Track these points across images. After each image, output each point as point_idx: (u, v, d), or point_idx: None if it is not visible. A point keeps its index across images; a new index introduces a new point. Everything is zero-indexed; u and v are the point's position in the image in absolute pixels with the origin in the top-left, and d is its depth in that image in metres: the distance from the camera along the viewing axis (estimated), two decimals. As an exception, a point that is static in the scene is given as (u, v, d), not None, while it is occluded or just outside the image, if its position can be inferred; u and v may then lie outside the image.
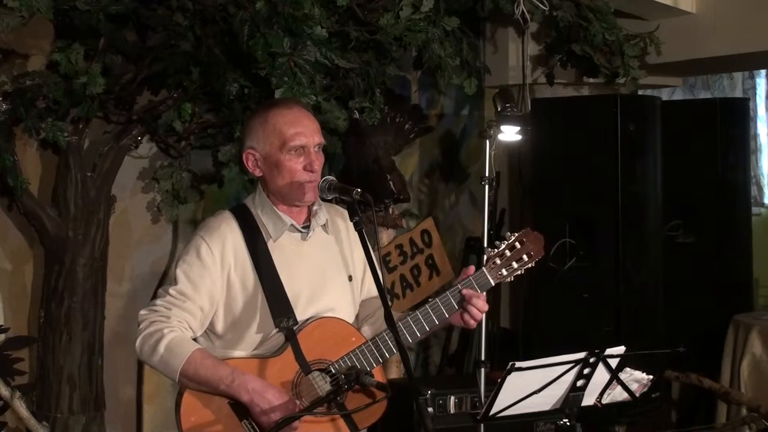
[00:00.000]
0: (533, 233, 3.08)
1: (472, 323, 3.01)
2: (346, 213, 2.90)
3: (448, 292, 2.99)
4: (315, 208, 3.03)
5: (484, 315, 3.10)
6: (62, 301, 4.38)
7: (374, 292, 3.11)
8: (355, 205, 2.81)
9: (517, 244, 3.05)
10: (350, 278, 3.07)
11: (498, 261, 3.03)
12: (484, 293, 3.01)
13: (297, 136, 2.93)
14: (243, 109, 4.28)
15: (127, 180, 4.67)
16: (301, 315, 2.94)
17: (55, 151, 4.39)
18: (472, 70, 4.82)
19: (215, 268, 2.92)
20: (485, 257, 3.08)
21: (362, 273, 3.10)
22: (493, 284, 3.02)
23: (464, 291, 2.97)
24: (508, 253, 3.04)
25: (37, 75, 4.04)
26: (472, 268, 3.03)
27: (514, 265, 3.05)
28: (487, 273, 3.01)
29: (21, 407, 3.85)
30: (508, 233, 3.07)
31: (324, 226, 3.04)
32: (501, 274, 3.03)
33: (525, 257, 3.05)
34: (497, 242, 3.06)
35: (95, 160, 4.42)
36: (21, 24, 3.77)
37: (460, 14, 4.71)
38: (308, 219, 3.02)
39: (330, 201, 3.05)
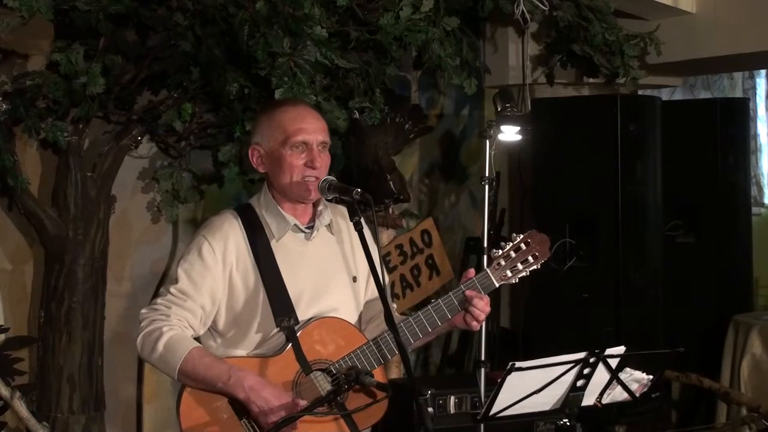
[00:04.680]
0: (539, 235, 3.05)
1: (475, 325, 2.99)
2: (346, 212, 2.89)
3: (451, 293, 2.98)
4: (320, 208, 3.02)
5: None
6: (62, 301, 4.38)
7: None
8: (355, 205, 2.81)
9: (523, 246, 3.03)
10: (354, 279, 3.06)
11: (503, 262, 3.01)
12: (487, 296, 2.99)
13: (299, 132, 2.93)
14: (243, 109, 4.28)
15: (127, 180, 4.67)
16: (303, 315, 2.93)
17: (55, 151, 4.39)
18: (472, 70, 4.81)
19: (217, 267, 2.92)
20: (491, 257, 3.04)
21: (366, 274, 3.07)
22: (497, 286, 3.00)
23: (467, 292, 2.96)
24: (513, 254, 3.02)
25: (37, 75, 4.03)
26: (472, 270, 3.02)
27: (519, 266, 3.02)
28: (490, 274, 2.99)
29: (21, 407, 3.85)
30: (514, 234, 3.04)
31: (329, 227, 3.04)
32: (505, 276, 3.01)
33: (530, 258, 3.03)
34: (502, 243, 3.04)
35: (95, 160, 4.42)
36: (21, 24, 3.77)
37: (460, 14, 4.71)
38: (312, 219, 3.02)
39: (330, 201, 3.05)
